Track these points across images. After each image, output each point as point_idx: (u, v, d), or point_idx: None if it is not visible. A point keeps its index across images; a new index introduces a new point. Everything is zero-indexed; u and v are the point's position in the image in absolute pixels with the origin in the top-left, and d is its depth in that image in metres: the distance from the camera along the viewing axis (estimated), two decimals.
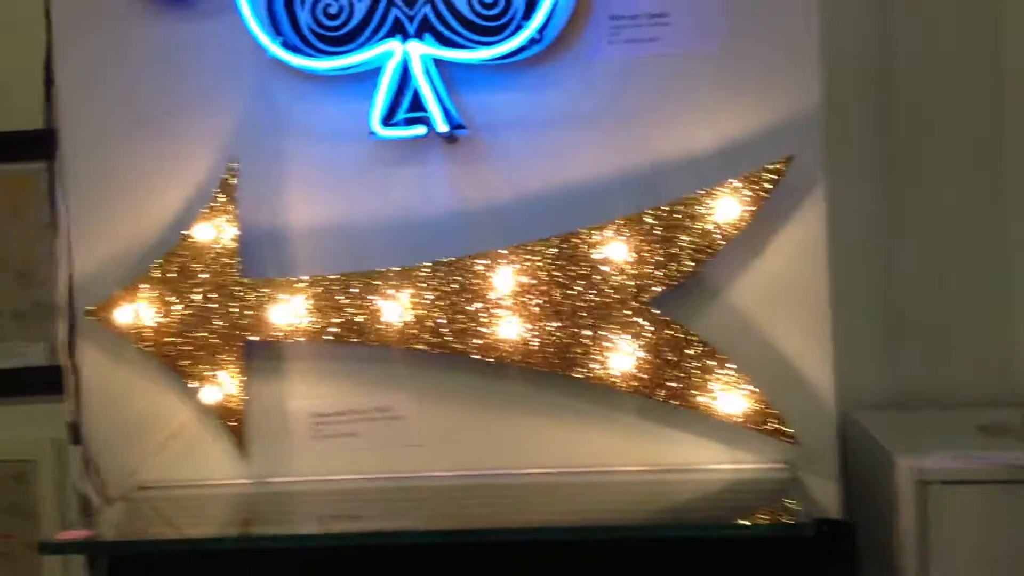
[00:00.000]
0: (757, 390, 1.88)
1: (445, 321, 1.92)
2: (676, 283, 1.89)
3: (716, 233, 1.87)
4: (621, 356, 1.89)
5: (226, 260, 1.96)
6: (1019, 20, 2.25)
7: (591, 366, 1.90)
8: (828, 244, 1.90)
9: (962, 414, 2.22)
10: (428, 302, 1.93)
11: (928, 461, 1.83)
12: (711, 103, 1.92)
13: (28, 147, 2.21)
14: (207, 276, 1.96)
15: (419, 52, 1.87)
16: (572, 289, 1.90)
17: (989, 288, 2.32)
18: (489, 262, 1.92)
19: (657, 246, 1.88)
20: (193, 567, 1.89)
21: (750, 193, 1.86)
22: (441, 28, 1.90)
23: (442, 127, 1.86)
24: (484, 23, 1.89)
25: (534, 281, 1.90)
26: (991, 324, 2.31)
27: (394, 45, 1.87)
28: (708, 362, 1.89)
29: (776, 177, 1.85)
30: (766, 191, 1.86)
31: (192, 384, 1.98)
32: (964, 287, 2.32)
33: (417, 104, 1.90)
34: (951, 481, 1.82)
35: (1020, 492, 1.81)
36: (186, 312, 1.97)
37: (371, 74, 1.95)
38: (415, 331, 1.93)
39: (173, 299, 1.98)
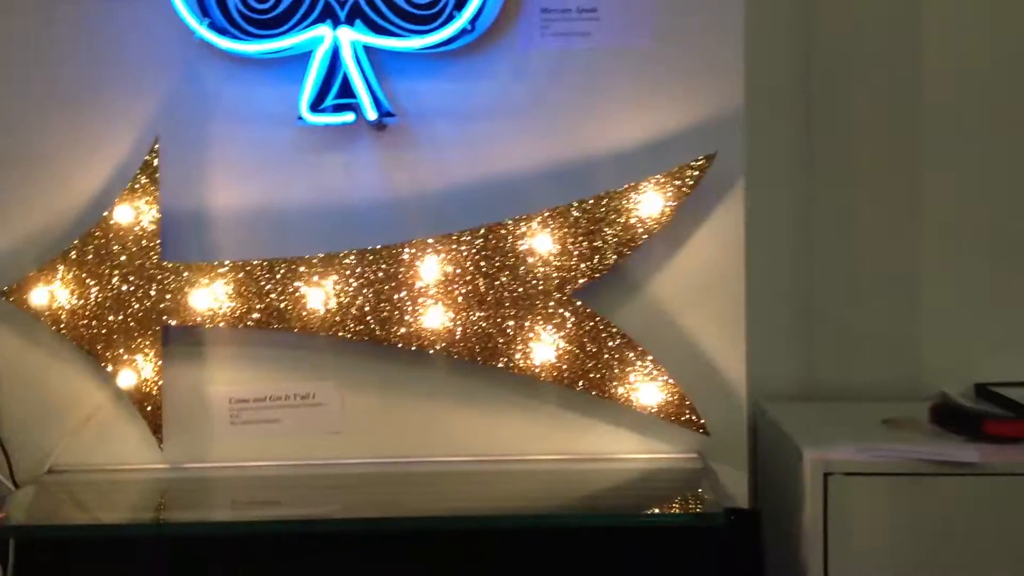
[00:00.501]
0: (673, 382, 1.92)
1: (369, 309, 1.93)
2: (599, 275, 1.91)
3: (639, 227, 1.91)
4: (543, 347, 1.92)
5: (146, 242, 1.93)
6: (939, 21, 2.31)
7: (514, 356, 1.92)
8: (746, 240, 1.93)
9: (869, 408, 2.28)
10: (353, 289, 1.93)
11: (832, 453, 1.89)
12: (639, 98, 1.95)
13: None
14: (126, 258, 1.94)
15: (349, 38, 1.87)
16: (497, 279, 1.92)
17: (899, 286, 2.39)
18: (415, 250, 1.92)
19: (582, 238, 1.91)
20: (104, 552, 1.87)
21: (673, 188, 1.89)
22: (372, 15, 1.90)
23: (371, 114, 1.86)
24: (416, 11, 1.89)
25: (460, 270, 1.91)
26: (900, 321, 2.37)
27: (324, 30, 1.86)
28: (627, 354, 1.92)
29: (699, 174, 1.89)
30: (689, 187, 1.89)
31: (108, 368, 1.94)
32: (875, 284, 2.38)
33: (346, 90, 1.89)
34: (854, 473, 1.87)
35: (921, 484, 1.87)
36: (103, 295, 1.94)
37: (301, 58, 1.94)
38: (339, 318, 1.93)
39: (90, 281, 1.94)
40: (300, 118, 1.89)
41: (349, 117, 1.87)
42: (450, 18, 1.85)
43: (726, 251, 1.95)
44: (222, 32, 1.89)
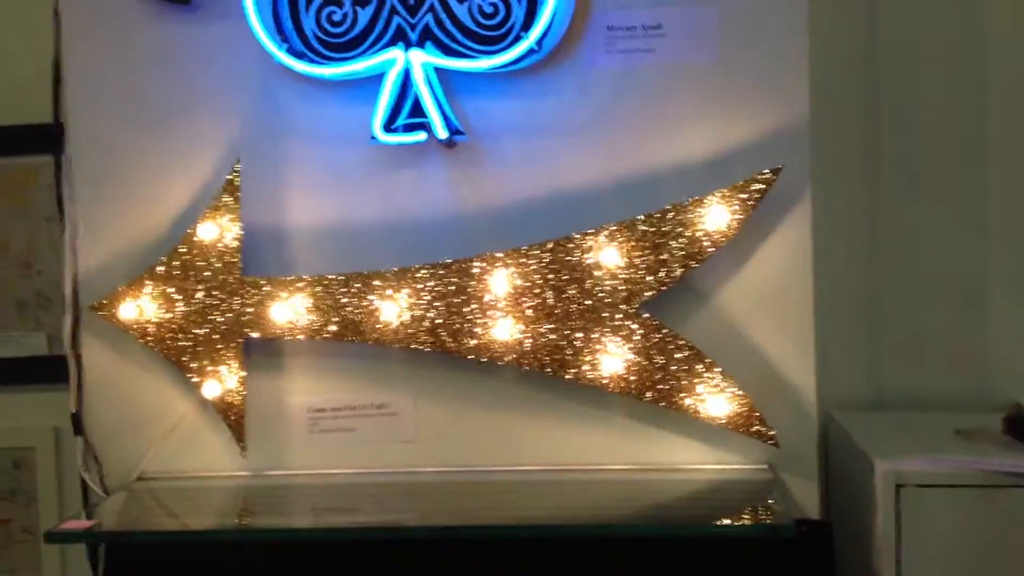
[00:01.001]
0: (742, 393, 1.94)
1: (441, 321, 1.98)
2: (665, 288, 1.94)
3: (705, 240, 1.93)
4: (611, 359, 1.95)
5: (228, 258, 2.01)
6: (1004, 25, 2.30)
7: (582, 368, 1.96)
8: (813, 251, 1.95)
9: (939, 418, 2.28)
10: (425, 302, 1.98)
11: (904, 464, 1.89)
12: (703, 113, 1.97)
13: (35, 140, 2.25)
14: (209, 274, 2.01)
15: (420, 60, 1.92)
16: (565, 292, 1.96)
17: (968, 293, 2.38)
18: (485, 265, 1.97)
19: (648, 252, 1.94)
20: (190, 557, 1.93)
21: (739, 202, 1.91)
22: (442, 36, 1.95)
23: (442, 133, 1.91)
24: (484, 32, 1.94)
25: (528, 284, 1.96)
26: (969, 329, 2.37)
27: (397, 53, 1.92)
28: (695, 366, 1.95)
29: (765, 187, 1.91)
30: (755, 200, 1.92)
31: (193, 379, 2.02)
32: (943, 293, 2.38)
33: (418, 110, 1.95)
34: (926, 484, 1.87)
35: (993, 496, 1.87)
36: (188, 308, 2.02)
37: (373, 80, 2.00)
38: (412, 331, 1.98)
39: (176, 295, 2.02)
40: (373, 138, 1.95)
41: (421, 136, 1.92)
42: (517, 39, 1.90)
43: (793, 262, 1.96)
44: (299, 56, 1.96)
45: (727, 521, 1.86)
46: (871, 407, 2.39)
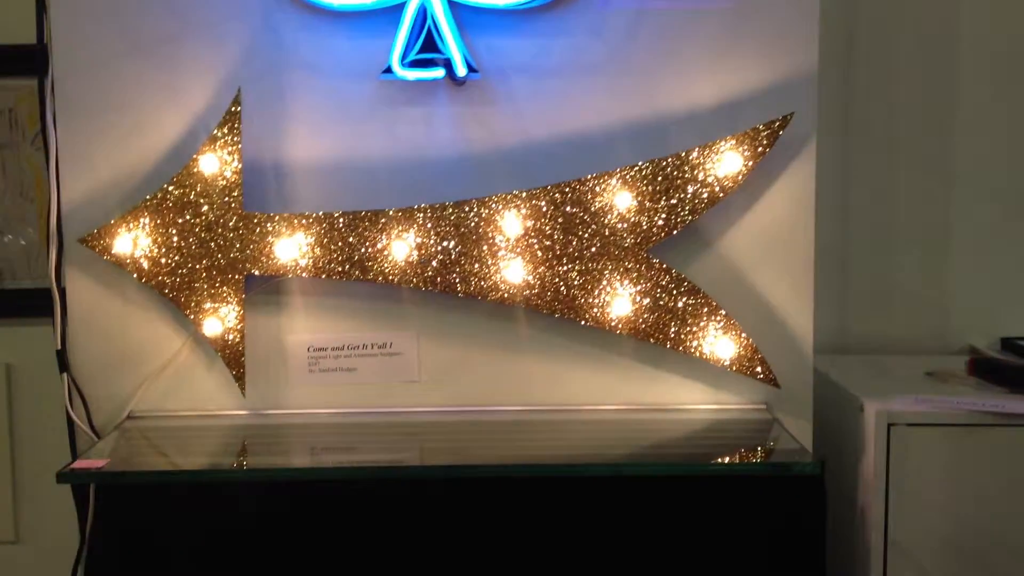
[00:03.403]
0: (746, 336, 1.98)
1: (450, 262, 1.96)
2: (675, 232, 1.96)
3: (716, 186, 1.95)
4: (620, 301, 1.97)
5: (228, 193, 1.94)
6: None
7: (591, 310, 1.97)
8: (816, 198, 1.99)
9: (903, 360, 2.38)
10: (433, 242, 1.95)
11: (894, 404, 1.96)
12: (713, 59, 1.99)
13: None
14: (208, 208, 1.95)
15: None
16: (576, 235, 1.96)
17: (930, 244, 2.47)
18: (496, 205, 1.96)
19: (659, 196, 1.95)
20: (186, 497, 1.89)
21: (750, 149, 1.94)
22: None
23: (462, 71, 1.88)
24: None
25: (539, 225, 1.95)
26: (930, 278, 2.48)
27: None
28: (702, 308, 1.98)
29: (776, 134, 1.94)
30: (764, 147, 1.94)
31: (190, 316, 1.96)
32: (906, 243, 2.47)
33: (430, 45, 1.90)
34: (915, 424, 1.95)
35: (975, 434, 1.96)
36: (186, 244, 1.95)
37: (379, 12, 1.94)
38: (420, 271, 1.96)
39: (173, 230, 1.96)
40: (388, 71, 1.90)
41: (439, 73, 1.88)
42: None
43: (797, 209, 2.00)
44: None
45: (746, 459, 1.90)
46: (835, 350, 2.46)
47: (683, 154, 1.94)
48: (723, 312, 1.97)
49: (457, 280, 1.95)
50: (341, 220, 1.95)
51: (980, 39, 2.40)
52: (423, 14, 1.89)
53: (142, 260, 1.94)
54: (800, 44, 1.96)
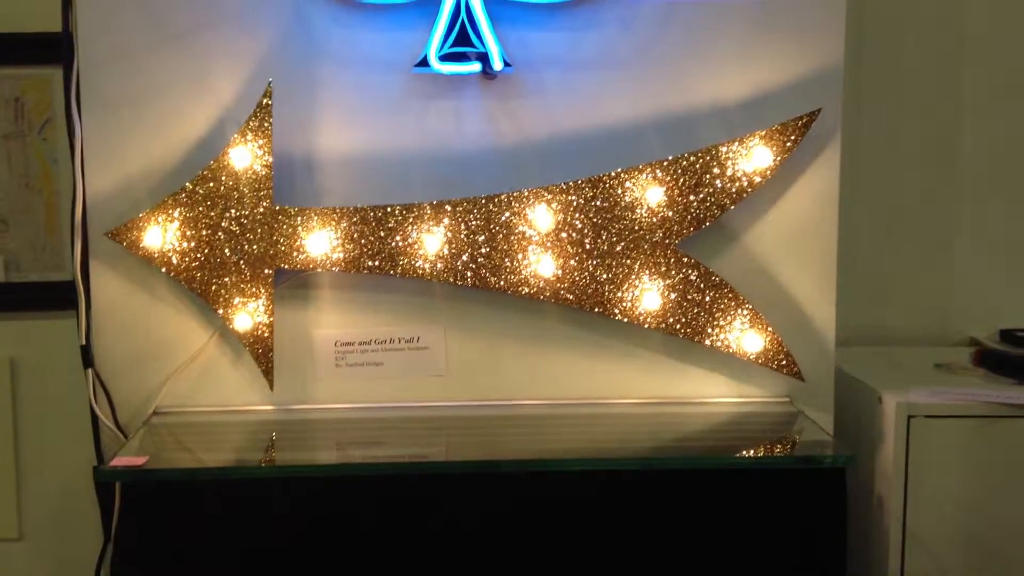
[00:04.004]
0: (772, 330, 2.00)
1: (480, 256, 1.96)
2: (704, 227, 1.97)
3: (745, 180, 1.97)
4: (649, 295, 1.98)
5: (259, 186, 1.93)
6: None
7: (621, 304, 1.98)
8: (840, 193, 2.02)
9: (910, 352, 2.42)
10: (464, 236, 1.96)
11: (913, 396, 2.00)
12: (741, 54, 2.00)
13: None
14: (239, 202, 1.93)
15: None
16: (605, 228, 1.97)
17: (932, 237, 2.52)
18: (527, 199, 1.96)
19: (689, 191, 1.96)
20: (214, 493, 1.87)
21: (779, 143, 1.96)
22: None
23: (498, 65, 1.88)
24: None
25: (569, 219, 1.96)
26: (932, 270, 2.52)
27: None
28: (729, 303, 2.00)
29: (804, 129, 1.96)
30: (793, 142, 1.97)
31: (219, 311, 1.94)
32: (910, 236, 2.51)
33: (463, 39, 1.90)
34: (934, 416, 1.99)
35: (994, 426, 2.00)
36: (216, 238, 1.93)
37: (412, 5, 1.94)
38: (449, 264, 1.95)
39: (203, 224, 1.94)
40: (422, 65, 1.89)
41: (475, 67, 1.88)
42: None
43: (821, 203, 2.03)
44: None
45: (785, 452, 1.94)
46: (838, 342, 2.49)
47: (713, 148, 1.95)
48: (750, 306, 1.99)
49: (488, 275, 1.95)
50: (372, 214, 1.94)
51: (984, 34, 2.43)
52: (456, 8, 1.87)
53: (171, 254, 1.92)
54: (826, 40, 1.99)
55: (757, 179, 1.96)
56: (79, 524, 2.34)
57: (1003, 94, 2.44)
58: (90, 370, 1.97)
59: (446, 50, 1.90)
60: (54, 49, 2.17)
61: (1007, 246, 2.51)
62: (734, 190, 1.96)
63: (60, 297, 2.30)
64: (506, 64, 1.92)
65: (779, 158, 1.95)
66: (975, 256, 2.50)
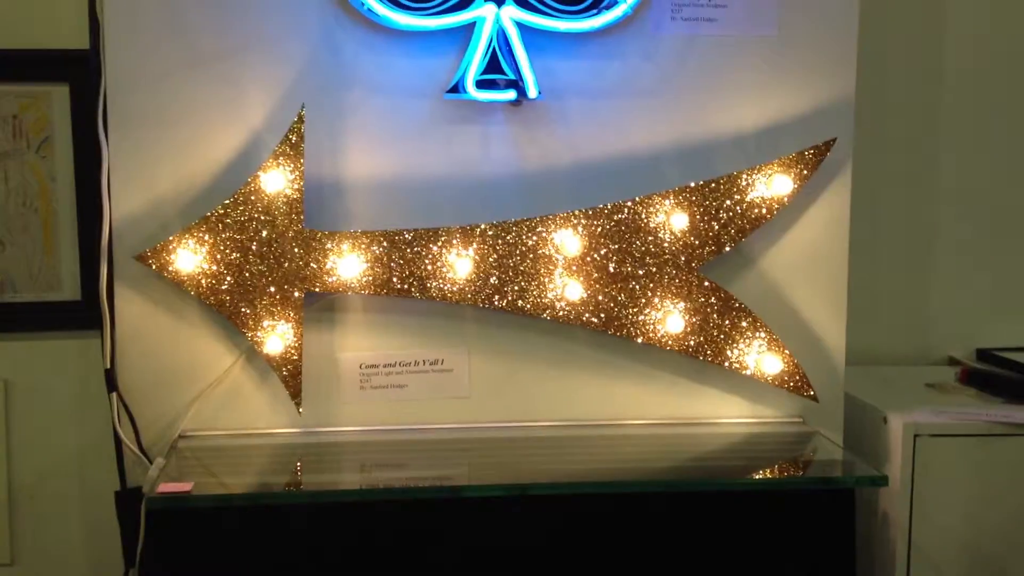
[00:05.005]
0: (788, 352, 2.06)
1: (507, 279, 1.99)
2: (723, 252, 2.03)
3: (763, 207, 2.03)
4: (672, 318, 2.03)
5: (290, 210, 1.93)
6: (961, 19, 2.52)
7: (644, 327, 2.02)
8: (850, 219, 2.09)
9: (894, 372, 2.50)
10: (492, 260, 1.98)
11: (918, 416, 2.08)
12: (759, 85, 2.06)
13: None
14: (270, 225, 1.93)
15: (511, 16, 1.90)
16: (629, 253, 2.02)
17: (913, 259, 2.60)
18: (552, 224, 2.00)
19: (711, 217, 2.02)
20: (241, 517, 1.87)
21: (797, 171, 2.03)
22: None
23: (533, 93, 1.91)
24: None
25: (593, 244, 2.00)
26: (912, 292, 2.60)
27: (489, 8, 1.89)
28: (748, 326, 2.05)
29: (820, 158, 2.03)
30: (809, 170, 2.03)
31: (248, 334, 1.94)
32: (892, 258, 2.59)
33: (494, 67, 1.93)
34: (938, 434, 2.08)
35: (994, 444, 2.09)
36: (246, 261, 1.93)
37: (441, 32, 1.97)
38: (476, 288, 1.98)
39: (233, 247, 1.93)
40: (454, 91, 1.92)
41: (510, 95, 1.91)
42: (613, 3, 1.92)
43: (832, 229, 2.10)
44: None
45: (808, 473, 1.99)
46: None
47: (735, 175, 2.01)
48: (767, 329, 2.04)
49: (516, 298, 1.98)
50: (401, 237, 1.96)
51: (967, 55, 2.52)
52: (480, 35, 1.90)
53: (201, 277, 1.91)
54: (839, 71, 2.06)
55: (776, 205, 2.02)
56: (72, 549, 2.31)
57: (986, 116, 2.54)
58: (114, 394, 1.93)
59: (478, 77, 1.91)
60: (54, 67, 2.17)
61: (986, 267, 2.59)
62: (754, 216, 2.02)
63: (56, 318, 2.28)
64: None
65: (797, 185, 2.01)
66: (955, 277, 2.59)
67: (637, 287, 2.00)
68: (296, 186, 1.92)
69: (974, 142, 2.55)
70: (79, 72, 2.11)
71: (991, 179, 2.57)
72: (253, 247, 1.92)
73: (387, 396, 2.03)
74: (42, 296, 2.30)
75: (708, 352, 2.03)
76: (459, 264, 1.96)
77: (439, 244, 1.96)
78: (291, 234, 1.93)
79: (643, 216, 2.00)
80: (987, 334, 2.63)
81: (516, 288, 1.98)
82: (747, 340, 2.03)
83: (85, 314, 2.18)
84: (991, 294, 2.62)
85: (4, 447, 2.34)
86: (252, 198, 1.91)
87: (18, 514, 2.36)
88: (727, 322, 2.03)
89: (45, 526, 2.34)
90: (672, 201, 2.00)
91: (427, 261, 1.96)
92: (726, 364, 2.04)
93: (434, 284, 1.96)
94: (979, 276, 2.59)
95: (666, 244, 2.00)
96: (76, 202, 2.25)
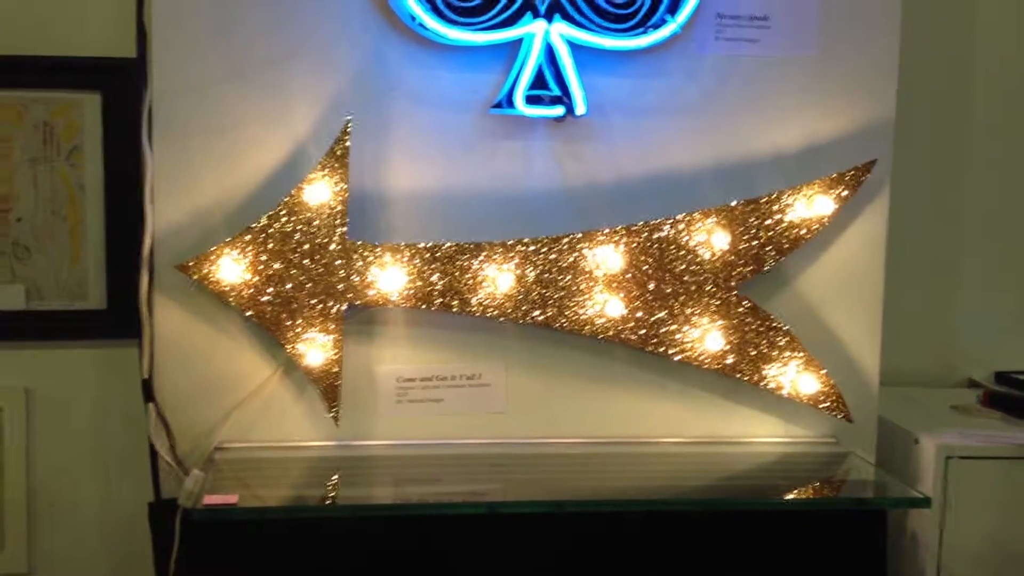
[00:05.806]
0: (825, 373, 2.07)
1: (548, 295, 1.98)
2: (763, 271, 2.03)
3: (803, 228, 2.04)
4: (711, 337, 2.03)
5: (334, 222, 1.93)
6: (991, 37, 2.54)
7: (683, 345, 2.02)
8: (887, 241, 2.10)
9: (919, 393, 2.50)
10: (533, 275, 1.98)
11: (949, 438, 2.09)
12: (799, 105, 2.07)
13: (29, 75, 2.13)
14: (313, 237, 1.92)
15: (560, 33, 1.91)
16: (669, 271, 2.02)
17: (938, 280, 2.62)
18: (594, 240, 2.00)
19: (750, 236, 2.02)
20: (277, 531, 1.86)
21: (837, 192, 2.03)
22: (571, 10, 1.94)
23: (581, 109, 1.91)
24: (613, 10, 1.95)
25: (634, 261, 2.00)
26: (937, 313, 2.61)
27: (539, 25, 1.90)
28: (786, 346, 2.06)
29: (861, 179, 2.04)
30: (850, 191, 2.04)
31: (288, 346, 1.93)
32: (916, 279, 2.60)
33: (540, 82, 1.93)
34: (969, 457, 2.09)
35: (1019, 465, 2.10)
36: (289, 272, 1.92)
37: (487, 47, 1.96)
38: (517, 303, 1.98)
39: (276, 258, 1.92)
40: (499, 106, 1.93)
41: (560, 111, 1.91)
42: (646, 18, 1.92)
43: (870, 250, 2.11)
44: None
45: (834, 494, 2.01)
46: None
47: (777, 195, 2.01)
48: (805, 350, 2.05)
49: (556, 314, 1.98)
50: (442, 251, 1.95)
51: (995, 78, 2.54)
52: (531, 51, 1.91)
53: (243, 288, 1.90)
54: (880, 92, 2.07)
55: (816, 226, 2.03)
56: (90, 559, 2.28)
57: (1011, 140, 2.56)
58: (151, 404, 1.92)
59: (525, 92, 1.92)
60: (87, 75, 2.15)
61: (1008, 291, 2.61)
62: (794, 236, 2.03)
63: (81, 327, 2.26)
64: None
65: (837, 206, 2.02)
66: (978, 300, 2.60)
67: (676, 304, 2.00)
68: (340, 198, 1.91)
69: (1000, 165, 2.55)
70: (112, 80, 2.11)
71: (1018, 199, 2.57)
72: (295, 259, 1.91)
73: (424, 410, 2.03)
74: (67, 304, 2.28)
75: (745, 371, 2.03)
76: (500, 279, 1.95)
77: (480, 258, 1.96)
78: (334, 246, 1.91)
79: (684, 234, 2.00)
80: (1007, 357, 2.63)
81: (556, 303, 1.98)
82: (784, 360, 2.04)
83: (110, 323, 2.16)
84: (1012, 317, 2.62)
85: (24, 456, 2.31)
86: (296, 209, 1.90)
87: (37, 523, 2.32)
88: (765, 341, 2.03)
89: (64, 536, 2.31)
90: (714, 220, 2.00)
91: (468, 275, 1.95)
92: (762, 383, 2.03)
93: (475, 298, 1.96)
94: (1000, 299, 2.59)
95: (707, 262, 2.00)
96: (105, 211, 2.23)
